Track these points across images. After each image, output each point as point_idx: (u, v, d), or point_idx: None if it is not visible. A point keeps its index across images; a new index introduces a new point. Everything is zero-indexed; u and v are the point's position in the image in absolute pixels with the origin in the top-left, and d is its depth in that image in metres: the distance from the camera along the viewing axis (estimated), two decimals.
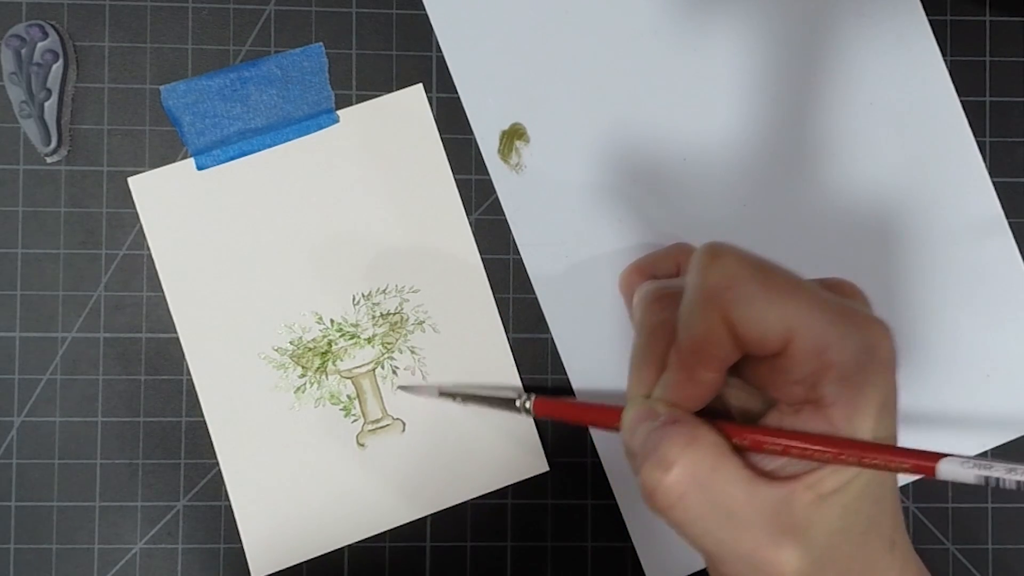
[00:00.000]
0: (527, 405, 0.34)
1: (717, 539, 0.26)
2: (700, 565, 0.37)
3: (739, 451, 0.27)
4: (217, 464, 0.37)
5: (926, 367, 0.38)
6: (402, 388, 0.37)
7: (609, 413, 0.30)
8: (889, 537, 0.27)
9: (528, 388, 0.38)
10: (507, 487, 0.37)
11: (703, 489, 0.26)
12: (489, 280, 0.38)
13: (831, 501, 0.26)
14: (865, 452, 0.25)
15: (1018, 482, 0.25)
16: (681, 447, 0.26)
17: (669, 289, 0.30)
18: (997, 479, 0.25)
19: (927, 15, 0.38)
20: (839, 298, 0.27)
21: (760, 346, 0.26)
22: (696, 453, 0.26)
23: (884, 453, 0.26)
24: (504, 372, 0.38)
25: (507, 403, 0.35)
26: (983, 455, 0.38)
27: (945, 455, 0.26)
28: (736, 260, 0.26)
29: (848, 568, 0.27)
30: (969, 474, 0.25)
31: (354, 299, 0.37)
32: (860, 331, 0.26)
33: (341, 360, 0.37)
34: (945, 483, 0.38)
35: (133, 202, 0.37)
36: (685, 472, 0.26)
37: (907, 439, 0.37)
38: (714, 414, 0.28)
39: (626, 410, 0.29)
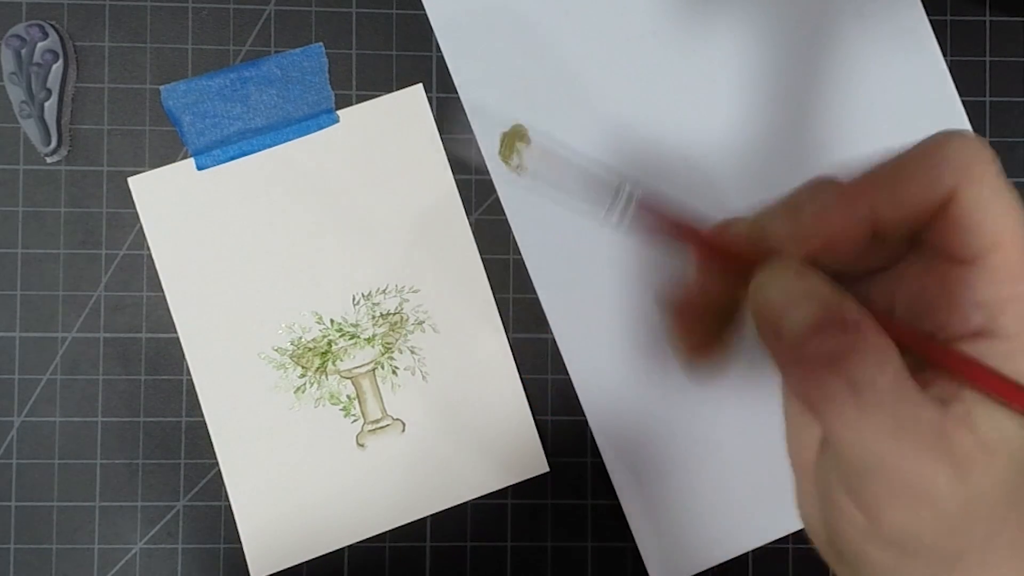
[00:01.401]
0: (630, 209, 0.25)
1: (878, 456, 0.22)
2: (704, 564, 0.37)
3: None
4: (217, 464, 0.37)
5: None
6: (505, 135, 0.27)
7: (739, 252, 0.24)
8: None
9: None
10: (507, 487, 0.37)
11: (881, 409, 0.22)
12: (489, 280, 0.38)
13: (997, 450, 0.23)
14: None
15: None
16: (875, 370, 0.22)
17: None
18: None
19: (927, 15, 0.38)
20: None
21: (961, 238, 0.22)
22: (887, 379, 0.22)
23: None
24: (504, 372, 0.38)
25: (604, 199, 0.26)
26: None
27: None
28: (979, 146, 0.22)
29: (998, 533, 0.23)
30: None
31: (354, 299, 0.37)
32: None
33: (341, 360, 0.37)
34: None
35: (133, 202, 0.37)
36: (883, 395, 0.22)
37: None
38: None
39: (771, 271, 0.23)
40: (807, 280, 0.23)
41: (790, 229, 0.23)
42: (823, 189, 0.24)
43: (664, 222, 0.24)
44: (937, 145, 0.22)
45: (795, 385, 0.23)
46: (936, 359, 0.23)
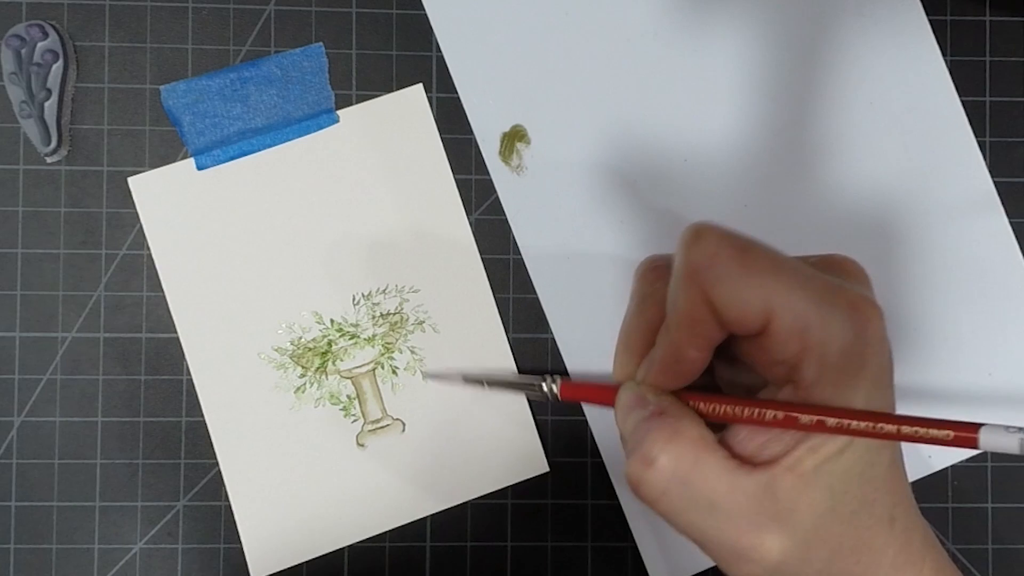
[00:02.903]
0: (554, 389, 0.33)
1: (701, 530, 0.27)
2: (704, 565, 0.37)
3: (721, 434, 0.28)
4: (217, 464, 0.37)
5: (928, 367, 0.38)
6: (425, 374, 0.37)
7: None
8: (887, 514, 0.27)
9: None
10: (507, 487, 0.37)
11: (684, 484, 0.27)
12: (489, 280, 0.38)
13: (816, 483, 0.26)
14: (889, 422, 0.25)
15: None
16: (663, 443, 0.27)
17: (663, 261, 0.31)
18: None
19: (927, 15, 0.38)
20: (827, 277, 0.27)
21: (740, 325, 0.26)
22: (678, 448, 0.27)
23: (913, 423, 0.25)
24: (504, 371, 0.37)
25: (533, 387, 0.34)
26: (983, 455, 0.38)
27: (983, 424, 0.25)
28: (717, 239, 0.26)
29: (839, 546, 0.27)
30: (1013, 441, 0.25)
31: (354, 299, 0.37)
32: (845, 311, 0.26)
33: (341, 360, 0.37)
34: (945, 483, 0.38)
35: (133, 202, 0.37)
36: (667, 468, 0.27)
37: None
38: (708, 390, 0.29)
39: (619, 394, 0.30)
40: (637, 393, 0.29)
41: (655, 373, 0.29)
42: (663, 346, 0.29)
43: (579, 393, 0.34)
44: (683, 270, 0.27)
45: (626, 479, 0.28)
46: (763, 423, 0.27)
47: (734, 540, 0.26)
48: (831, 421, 0.26)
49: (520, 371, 0.38)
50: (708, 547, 0.28)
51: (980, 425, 0.25)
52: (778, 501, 0.26)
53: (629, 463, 0.27)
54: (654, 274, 0.31)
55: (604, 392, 0.31)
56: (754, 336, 0.26)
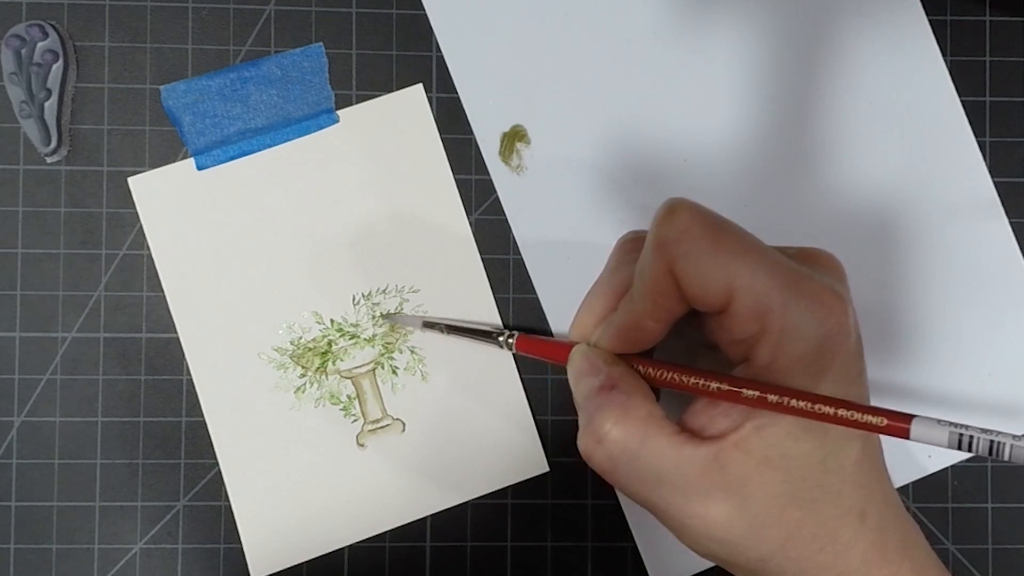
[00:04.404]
0: (509, 341, 0.34)
1: (651, 501, 0.28)
2: (705, 564, 0.37)
3: (676, 403, 0.29)
4: (217, 464, 0.37)
5: (928, 366, 0.38)
6: (384, 316, 0.37)
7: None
8: (857, 508, 0.27)
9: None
10: (507, 487, 0.37)
11: (632, 459, 0.28)
12: (489, 280, 0.38)
13: (772, 464, 0.27)
14: (827, 404, 0.26)
15: (991, 443, 0.25)
16: (614, 420, 0.28)
17: (644, 234, 0.31)
18: (971, 438, 0.25)
19: (927, 15, 0.38)
20: (796, 265, 0.27)
21: (702, 301, 0.27)
22: (626, 426, 0.28)
23: (850, 407, 0.26)
24: (504, 372, 0.38)
25: (490, 336, 0.35)
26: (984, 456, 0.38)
27: (916, 416, 0.26)
28: (690, 215, 0.27)
29: (797, 531, 0.27)
30: (943, 434, 0.25)
31: (354, 299, 0.37)
32: (808, 299, 0.26)
33: (341, 360, 0.37)
34: (945, 483, 0.38)
35: (133, 202, 0.37)
36: (616, 444, 0.28)
37: None
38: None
39: (571, 357, 0.31)
40: (590, 359, 0.30)
41: (610, 336, 0.30)
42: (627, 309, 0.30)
43: (534, 347, 0.34)
44: (653, 243, 0.27)
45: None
46: (706, 393, 0.28)
47: (680, 509, 0.27)
48: (772, 397, 0.26)
49: (520, 371, 0.38)
50: (660, 517, 0.29)
51: (913, 416, 0.26)
52: (727, 474, 0.27)
53: (581, 436, 0.29)
54: (631, 244, 0.32)
55: (558, 349, 0.32)
56: (716, 314, 0.27)
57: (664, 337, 0.29)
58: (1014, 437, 0.25)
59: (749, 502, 0.27)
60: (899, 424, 0.26)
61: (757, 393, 0.27)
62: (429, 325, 0.36)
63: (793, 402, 0.26)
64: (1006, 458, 0.25)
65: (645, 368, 0.30)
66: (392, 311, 0.37)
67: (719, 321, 0.27)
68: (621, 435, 0.28)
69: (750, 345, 0.27)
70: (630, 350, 0.30)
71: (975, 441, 0.25)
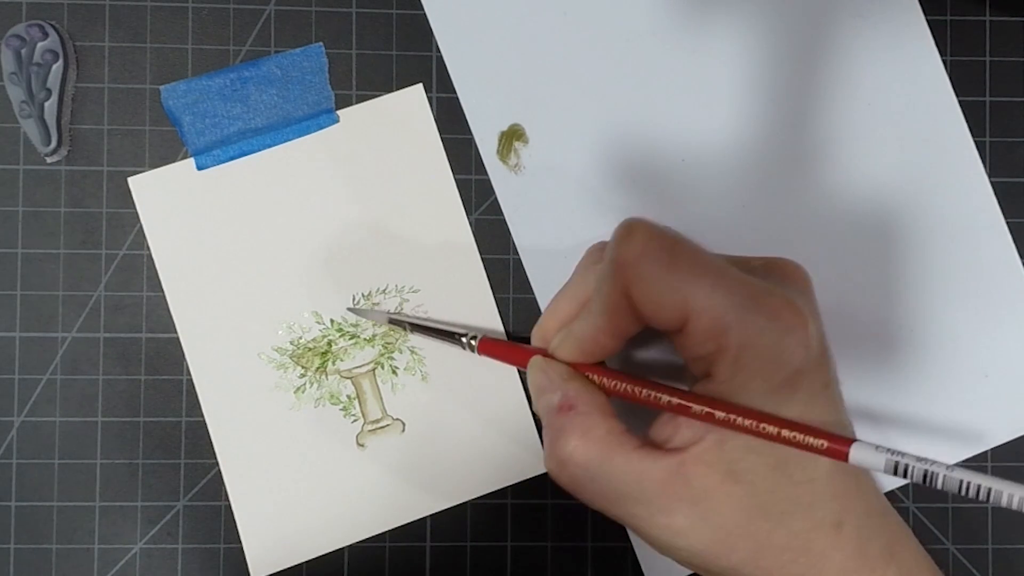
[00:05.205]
0: (472, 343, 0.35)
1: (618, 515, 0.29)
2: None
3: (637, 417, 0.29)
4: (217, 464, 0.37)
5: (924, 367, 0.38)
6: (351, 310, 0.37)
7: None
8: (832, 519, 0.28)
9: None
10: (507, 487, 0.37)
11: (594, 479, 0.28)
12: (489, 280, 0.38)
13: (737, 477, 0.27)
14: (772, 423, 0.26)
15: (925, 472, 0.26)
16: (574, 444, 0.28)
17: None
18: (907, 466, 0.26)
19: (926, 15, 0.38)
20: (755, 281, 0.27)
21: (656, 321, 0.27)
22: (587, 449, 0.28)
23: (793, 428, 0.26)
24: (504, 372, 0.38)
25: (453, 337, 0.35)
26: (983, 456, 0.38)
27: (856, 440, 0.26)
28: (646, 237, 0.27)
29: (767, 543, 0.27)
30: (880, 460, 0.26)
31: (354, 299, 0.37)
32: (766, 316, 0.26)
33: (341, 360, 0.37)
34: None
35: (133, 202, 0.37)
36: (579, 465, 0.28)
37: (906, 440, 0.37)
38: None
39: (528, 369, 0.32)
40: (548, 374, 0.30)
41: (568, 347, 0.31)
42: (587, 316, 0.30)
43: (496, 351, 0.34)
44: (610, 264, 0.28)
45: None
46: (658, 405, 0.29)
47: (646, 522, 0.28)
48: (719, 414, 0.27)
49: (521, 371, 0.38)
50: (632, 530, 0.29)
51: (853, 440, 0.26)
52: (690, 486, 0.27)
53: (546, 458, 0.30)
54: (599, 255, 0.32)
55: (519, 354, 0.33)
56: (675, 332, 0.28)
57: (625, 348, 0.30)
58: (947, 467, 0.25)
59: (714, 514, 0.27)
60: (839, 447, 0.26)
61: (706, 409, 0.27)
62: (395, 322, 0.37)
63: (740, 420, 0.26)
64: (939, 487, 0.25)
65: (600, 378, 0.30)
66: (392, 311, 0.37)
67: (678, 339, 0.28)
68: (583, 457, 0.28)
69: (710, 362, 0.27)
70: (587, 360, 0.30)
71: (910, 469, 0.26)
